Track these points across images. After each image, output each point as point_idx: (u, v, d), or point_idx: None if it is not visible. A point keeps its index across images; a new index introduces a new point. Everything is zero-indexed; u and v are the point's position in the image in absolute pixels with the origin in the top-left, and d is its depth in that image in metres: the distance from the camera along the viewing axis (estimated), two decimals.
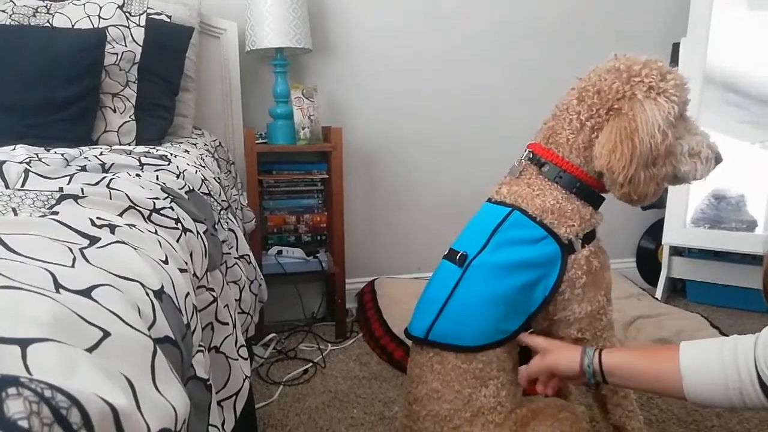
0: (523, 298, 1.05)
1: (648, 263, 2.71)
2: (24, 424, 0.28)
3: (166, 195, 0.86)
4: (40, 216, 0.61)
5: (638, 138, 0.98)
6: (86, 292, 0.45)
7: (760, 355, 0.76)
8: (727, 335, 2.06)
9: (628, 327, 1.94)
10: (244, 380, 0.89)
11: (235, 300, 1.11)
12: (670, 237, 2.38)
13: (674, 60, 2.51)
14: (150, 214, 0.75)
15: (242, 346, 0.94)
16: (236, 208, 1.64)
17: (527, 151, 1.14)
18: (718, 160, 1.10)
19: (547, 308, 1.07)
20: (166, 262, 0.63)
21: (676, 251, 2.49)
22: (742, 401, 0.79)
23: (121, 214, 0.71)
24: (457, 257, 1.08)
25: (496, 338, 1.05)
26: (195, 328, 0.64)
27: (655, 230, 2.63)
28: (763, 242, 2.22)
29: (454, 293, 1.06)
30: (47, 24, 1.55)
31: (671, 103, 1.00)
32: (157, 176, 0.96)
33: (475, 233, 1.10)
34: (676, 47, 2.52)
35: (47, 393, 0.30)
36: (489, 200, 1.15)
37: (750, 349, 0.78)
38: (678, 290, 2.62)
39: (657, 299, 2.39)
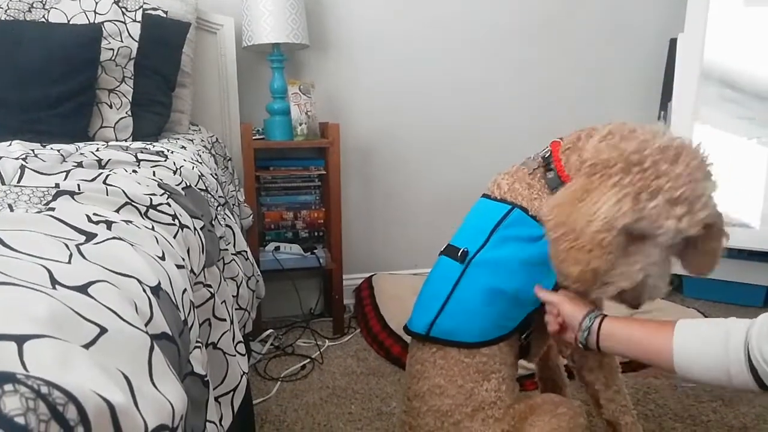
0: (525, 295, 1.05)
1: None
2: (21, 420, 0.28)
3: (163, 191, 0.86)
4: (36, 212, 0.60)
5: (574, 214, 0.89)
6: (83, 289, 0.45)
7: (753, 339, 0.77)
8: None
9: None
10: (241, 376, 0.89)
11: (233, 296, 1.10)
12: None
13: (671, 56, 2.52)
14: (147, 210, 0.75)
15: (240, 342, 0.94)
16: (233, 204, 1.64)
17: (547, 149, 1.10)
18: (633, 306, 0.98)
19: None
20: (162, 258, 0.63)
21: None
22: (729, 381, 0.79)
23: (117, 210, 0.71)
24: (459, 254, 1.08)
25: (498, 334, 1.05)
26: (192, 324, 0.64)
27: None
28: (759, 238, 2.23)
29: (455, 290, 1.06)
30: (43, 19, 1.54)
31: (645, 219, 0.86)
32: (154, 172, 0.96)
33: (475, 230, 1.10)
34: (673, 43, 2.52)
35: (44, 389, 0.30)
36: (487, 196, 1.13)
37: (742, 334, 0.79)
38: (675, 286, 2.62)
39: None
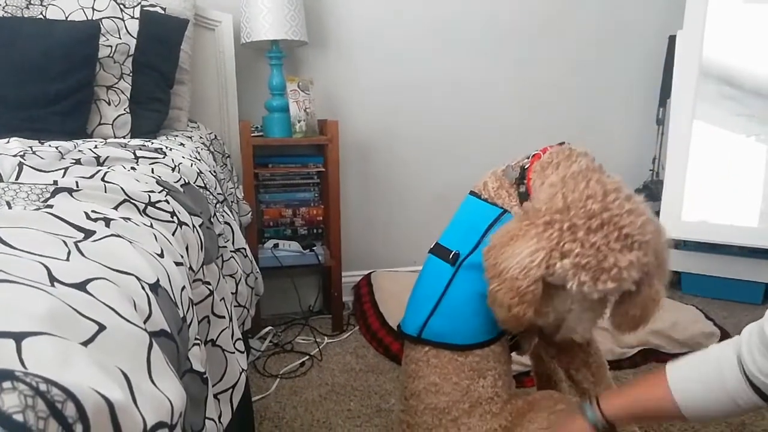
0: None
1: None
2: (19, 418, 0.28)
3: (162, 188, 0.86)
4: (34, 209, 0.60)
5: (499, 257, 0.91)
6: (81, 286, 0.45)
7: (745, 355, 0.77)
8: (721, 327, 2.06)
9: None
10: (240, 373, 0.89)
11: (232, 293, 1.10)
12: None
13: (670, 53, 2.52)
14: (145, 208, 0.75)
15: (239, 339, 0.94)
16: (232, 202, 1.64)
17: (526, 160, 1.08)
18: None
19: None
20: (161, 255, 0.63)
21: (672, 244, 2.50)
22: (741, 410, 0.79)
23: (116, 208, 0.71)
24: (450, 256, 1.07)
25: (489, 337, 1.06)
26: (191, 321, 0.64)
27: None
28: (758, 235, 2.23)
29: (446, 293, 1.06)
30: (41, 16, 1.54)
31: (555, 275, 0.87)
32: (153, 169, 0.96)
33: (465, 230, 1.09)
34: (672, 40, 2.52)
35: (42, 387, 0.30)
36: (475, 194, 1.12)
37: (732, 356, 0.79)
38: (673, 282, 2.63)
39: None
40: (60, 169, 0.82)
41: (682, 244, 2.48)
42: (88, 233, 0.57)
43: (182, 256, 0.72)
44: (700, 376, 0.83)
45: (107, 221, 0.62)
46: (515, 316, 0.90)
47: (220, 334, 0.86)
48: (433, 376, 1.06)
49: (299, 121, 2.04)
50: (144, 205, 0.75)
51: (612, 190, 0.88)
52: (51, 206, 0.63)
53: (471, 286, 1.04)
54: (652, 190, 2.57)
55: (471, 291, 1.04)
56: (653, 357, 1.88)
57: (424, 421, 1.06)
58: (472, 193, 1.13)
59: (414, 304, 1.13)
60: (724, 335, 1.93)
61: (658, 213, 2.45)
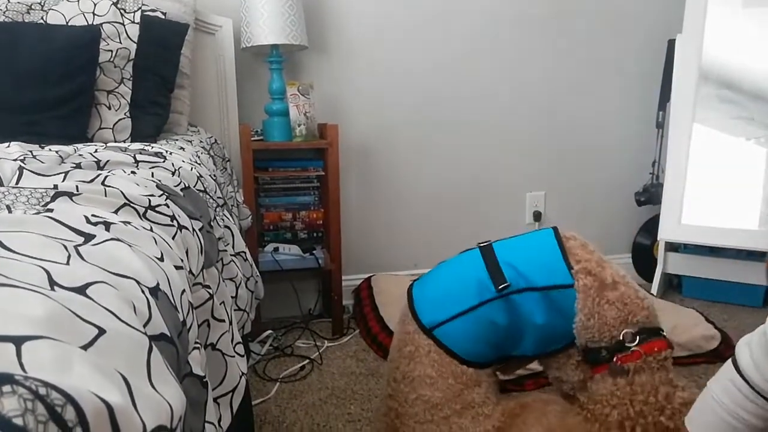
0: (526, 344, 1.08)
1: (644, 259, 2.71)
2: (19, 421, 0.28)
3: (162, 192, 0.86)
4: (34, 213, 0.60)
5: None
6: (81, 290, 0.45)
7: (745, 364, 0.74)
8: (721, 330, 2.06)
9: None
10: (240, 377, 0.89)
11: (232, 297, 1.10)
12: (665, 233, 2.39)
13: (670, 57, 2.52)
14: (145, 212, 0.75)
15: (239, 343, 0.94)
16: (232, 205, 1.64)
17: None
18: None
19: None
20: (161, 259, 0.63)
21: (672, 247, 2.50)
22: (755, 428, 0.75)
23: (116, 212, 0.71)
24: (500, 286, 1.05)
25: (489, 360, 1.08)
26: (191, 325, 0.64)
27: (651, 226, 2.64)
28: (758, 238, 2.23)
29: (475, 310, 1.05)
30: (41, 21, 1.54)
31: None
32: (153, 173, 0.96)
33: (527, 264, 1.06)
34: (671, 44, 2.53)
35: (42, 390, 0.30)
36: (557, 239, 1.10)
37: (726, 379, 0.76)
38: (674, 286, 2.63)
39: (653, 295, 2.39)
40: (60, 173, 0.82)
41: (682, 248, 2.49)
42: (88, 237, 0.57)
43: (182, 260, 0.72)
44: (705, 414, 0.80)
45: (107, 225, 0.62)
46: None
47: (220, 337, 0.86)
48: (430, 368, 1.06)
49: (299, 125, 2.04)
50: (144, 209, 0.75)
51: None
52: (51, 210, 0.63)
53: (501, 320, 1.04)
54: (652, 194, 2.57)
55: (498, 323, 1.05)
56: None
57: (415, 412, 1.06)
58: (556, 236, 1.10)
59: (441, 295, 1.11)
60: (725, 338, 1.93)
61: (658, 216, 2.46)
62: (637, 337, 1.00)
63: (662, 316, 2.01)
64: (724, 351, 1.91)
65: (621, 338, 1.00)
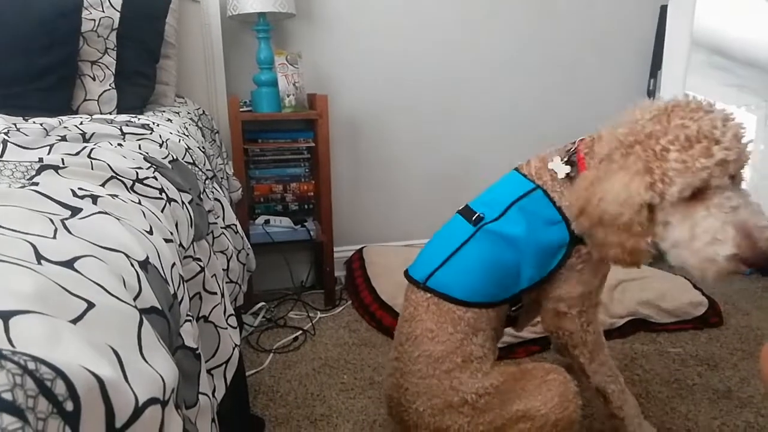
0: (524, 273, 1.09)
1: None
2: (8, 396, 0.27)
3: (149, 164, 0.85)
4: (19, 187, 0.59)
5: (592, 201, 0.95)
6: (69, 264, 0.44)
7: None
8: (709, 297, 2.07)
9: (613, 289, 1.97)
10: (233, 348, 0.89)
11: (223, 269, 1.10)
12: None
13: (662, 23, 2.50)
14: (133, 184, 0.74)
15: (231, 314, 0.94)
16: (222, 178, 1.63)
17: (573, 148, 1.11)
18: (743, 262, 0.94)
19: (541, 285, 1.11)
20: (150, 232, 0.63)
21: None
22: None
23: (103, 185, 0.70)
24: (474, 217, 1.11)
25: (488, 300, 1.09)
26: (182, 297, 0.64)
27: None
28: None
29: (460, 249, 1.10)
30: None
31: (664, 184, 0.88)
32: (140, 145, 0.94)
33: (495, 197, 1.13)
34: (663, 10, 2.50)
35: (31, 365, 0.30)
36: (517, 169, 1.16)
37: None
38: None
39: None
40: (45, 146, 0.81)
41: None
42: (75, 210, 0.56)
43: (172, 233, 0.71)
44: None
45: (94, 198, 0.61)
46: (632, 251, 0.96)
47: (212, 310, 0.86)
48: (430, 322, 1.09)
49: (288, 96, 2.02)
50: (131, 181, 0.74)
51: (646, 105, 0.97)
52: (36, 184, 0.62)
53: (486, 250, 1.09)
54: None
55: (484, 255, 1.09)
56: (642, 327, 1.91)
57: (418, 369, 1.09)
58: (516, 169, 1.17)
59: (427, 254, 1.18)
60: (712, 305, 1.96)
61: None
62: None
63: (651, 283, 2.05)
64: (710, 317, 1.94)
65: None
